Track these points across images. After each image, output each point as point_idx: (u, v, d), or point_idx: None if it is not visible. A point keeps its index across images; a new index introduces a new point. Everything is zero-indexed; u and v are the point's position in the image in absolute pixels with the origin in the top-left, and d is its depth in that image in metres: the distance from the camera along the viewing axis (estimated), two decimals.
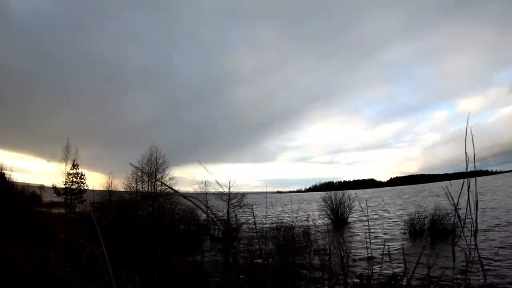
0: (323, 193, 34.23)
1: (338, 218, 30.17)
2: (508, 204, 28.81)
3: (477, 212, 1.53)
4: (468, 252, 1.58)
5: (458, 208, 1.63)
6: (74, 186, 32.97)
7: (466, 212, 1.57)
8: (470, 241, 1.53)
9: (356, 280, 2.29)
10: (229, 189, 27.55)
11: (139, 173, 25.05)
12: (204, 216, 27.35)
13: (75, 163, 33.33)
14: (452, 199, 1.64)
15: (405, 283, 1.87)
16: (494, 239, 14.54)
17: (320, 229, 18.47)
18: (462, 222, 1.53)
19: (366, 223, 25.39)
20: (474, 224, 1.52)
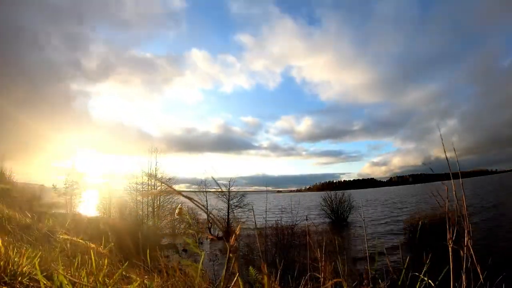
0: (322, 193, 34.29)
1: (338, 218, 30.23)
2: None
3: (466, 213, 1.56)
4: (465, 252, 1.61)
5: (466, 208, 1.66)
6: (74, 186, 32.99)
7: (461, 211, 1.60)
8: (466, 242, 1.56)
9: (354, 278, 2.32)
10: (229, 189, 27.58)
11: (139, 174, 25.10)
12: (204, 215, 27.39)
13: (76, 163, 33.38)
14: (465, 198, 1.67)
15: (402, 282, 1.90)
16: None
17: (320, 228, 18.52)
18: (454, 223, 1.57)
19: (366, 223, 25.42)
20: (468, 225, 1.55)
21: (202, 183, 28.67)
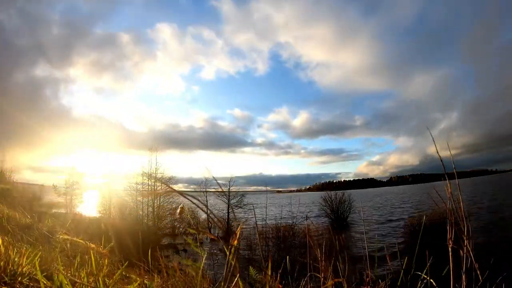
0: (322, 193, 34.28)
1: (338, 218, 30.23)
2: None
3: (464, 213, 1.56)
4: (464, 252, 1.61)
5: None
6: (74, 186, 33.01)
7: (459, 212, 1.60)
8: (466, 243, 1.56)
9: (355, 279, 2.32)
10: (229, 189, 27.58)
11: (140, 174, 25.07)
12: (204, 215, 27.41)
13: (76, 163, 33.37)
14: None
15: (402, 283, 1.90)
16: None
17: (319, 228, 18.51)
18: (452, 223, 1.57)
19: (366, 223, 25.42)
20: (466, 225, 1.55)
21: (202, 183, 28.72)
